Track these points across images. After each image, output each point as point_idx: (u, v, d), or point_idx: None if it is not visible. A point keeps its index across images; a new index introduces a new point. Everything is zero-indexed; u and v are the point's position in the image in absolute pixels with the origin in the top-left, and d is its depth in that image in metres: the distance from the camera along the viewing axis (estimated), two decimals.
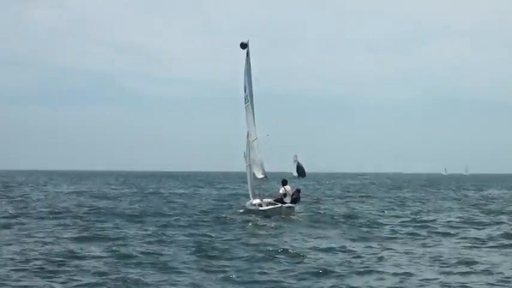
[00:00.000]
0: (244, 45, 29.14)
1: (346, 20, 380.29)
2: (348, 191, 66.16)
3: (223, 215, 29.59)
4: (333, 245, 19.93)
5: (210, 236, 21.48)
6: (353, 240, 21.63)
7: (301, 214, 31.29)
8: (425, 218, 30.98)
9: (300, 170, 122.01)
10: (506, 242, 21.58)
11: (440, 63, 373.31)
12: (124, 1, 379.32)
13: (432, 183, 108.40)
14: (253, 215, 29.10)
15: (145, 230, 23.41)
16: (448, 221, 29.13)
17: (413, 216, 32.00)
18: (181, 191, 61.53)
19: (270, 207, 29.74)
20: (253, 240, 20.69)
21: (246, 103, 30.17)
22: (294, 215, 29.99)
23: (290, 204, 30.47)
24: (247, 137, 30.36)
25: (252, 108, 30.03)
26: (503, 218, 31.78)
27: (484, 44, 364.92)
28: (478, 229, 26.04)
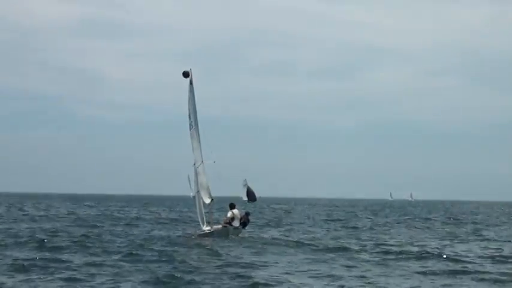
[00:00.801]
0: (186, 74, 29.61)
1: (294, 46, 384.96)
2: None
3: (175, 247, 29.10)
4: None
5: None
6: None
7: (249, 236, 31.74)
8: None
9: (250, 194, 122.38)
10: None
11: (385, 90, 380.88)
12: (65, 23, 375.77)
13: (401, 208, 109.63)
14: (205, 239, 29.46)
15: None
16: None
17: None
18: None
19: (217, 228, 30.37)
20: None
21: (190, 129, 30.65)
22: (241, 236, 30.44)
23: (237, 226, 30.95)
24: (194, 164, 30.76)
25: (197, 134, 30.51)
26: None
27: (429, 71, 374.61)
28: None
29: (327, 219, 54.29)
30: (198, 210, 31.10)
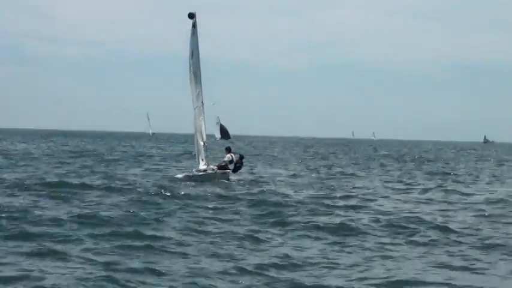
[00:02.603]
0: (191, 16, 29.48)
1: None
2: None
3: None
4: None
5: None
6: None
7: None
8: None
9: (224, 132, 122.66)
10: None
11: (342, 29, 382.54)
12: None
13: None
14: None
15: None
16: None
17: None
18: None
19: (204, 173, 30.32)
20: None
21: (189, 73, 30.73)
22: (228, 180, 30.25)
23: (225, 170, 30.99)
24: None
25: (195, 77, 30.55)
26: None
27: (388, 12, 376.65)
28: None
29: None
30: (196, 149, 31.56)
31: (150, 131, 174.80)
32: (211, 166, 30.97)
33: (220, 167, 31.22)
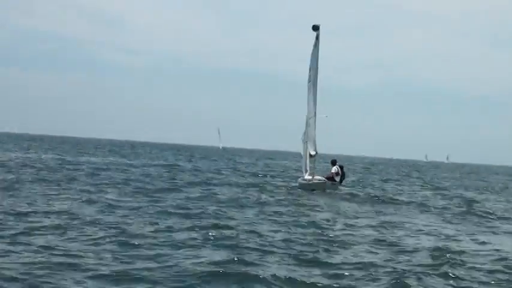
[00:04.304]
0: (315, 28, 30.25)
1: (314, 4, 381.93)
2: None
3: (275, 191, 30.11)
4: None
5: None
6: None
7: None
8: None
9: None
10: None
11: (412, 52, 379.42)
12: None
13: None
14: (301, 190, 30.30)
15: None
16: None
17: None
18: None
19: (316, 181, 30.79)
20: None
21: (308, 82, 31.50)
22: (338, 190, 30.87)
23: (334, 182, 31.72)
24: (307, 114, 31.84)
25: (314, 88, 31.18)
26: None
27: (454, 36, 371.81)
28: None
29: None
30: (303, 159, 32.15)
31: (221, 145, 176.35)
32: (317, 177, 31.44)
33: (328, 179, 31.77)
